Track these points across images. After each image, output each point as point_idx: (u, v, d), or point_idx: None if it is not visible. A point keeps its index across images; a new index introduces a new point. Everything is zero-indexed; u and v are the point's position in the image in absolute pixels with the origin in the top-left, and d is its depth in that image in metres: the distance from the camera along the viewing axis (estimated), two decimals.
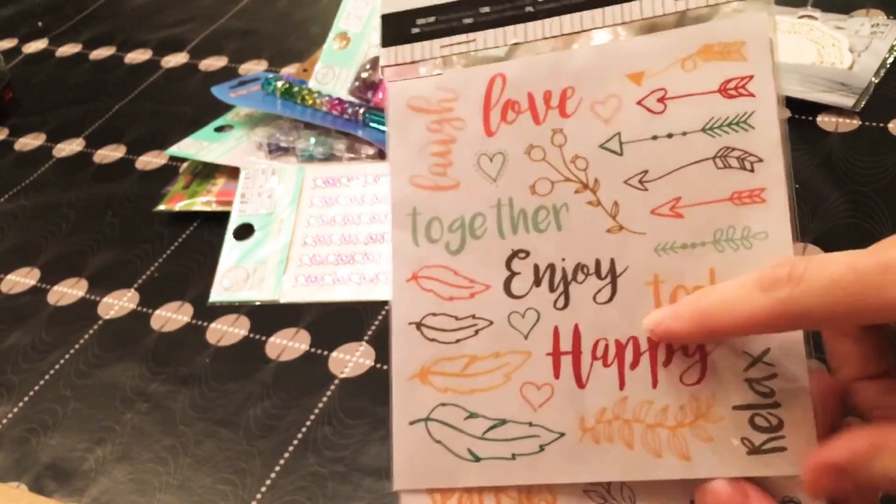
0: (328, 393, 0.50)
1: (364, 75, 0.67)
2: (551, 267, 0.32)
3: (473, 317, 0.33)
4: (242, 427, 0.49)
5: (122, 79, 0.84)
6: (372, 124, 0.64)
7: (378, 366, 0.51)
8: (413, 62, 0.34)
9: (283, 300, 0.56)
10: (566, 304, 0.32)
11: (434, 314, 0.33)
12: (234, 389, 0.52)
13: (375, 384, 0.50)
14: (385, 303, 0.55)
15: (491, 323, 0.32)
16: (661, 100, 0.32)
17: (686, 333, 0.30)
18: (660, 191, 0.31)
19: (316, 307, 0.55)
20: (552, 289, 0.32)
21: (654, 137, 0.32)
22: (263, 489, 0.46)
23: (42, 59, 0.91)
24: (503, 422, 0.32)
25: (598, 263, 0.32)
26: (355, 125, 0.65)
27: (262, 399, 0.51)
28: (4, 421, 0.53)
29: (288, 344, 0.54)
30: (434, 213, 0.33)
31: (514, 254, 0.33)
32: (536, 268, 0.32)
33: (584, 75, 0.33)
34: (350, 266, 0.57)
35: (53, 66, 0.89)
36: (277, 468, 0.47)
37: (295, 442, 0.48)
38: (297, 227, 0.60)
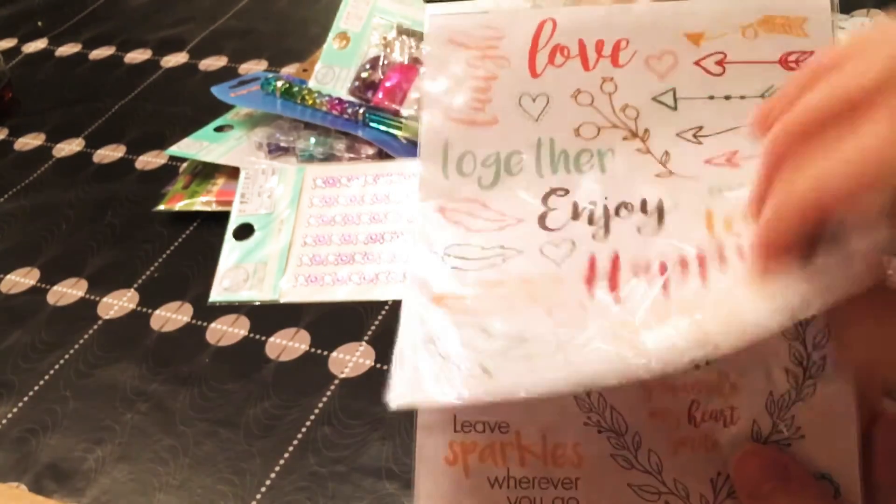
0: (328, 393, 0.50)
1: (364, 75, 0.67)
2: (592, 204, 0.30)
3: (502, 247, 0.30)
4: (242, 427, 0.49)
5: (122, 79, 0.84)
6: (372, 124, 0.64)
7: (378, 366, 0.51)
8: None
9: (282, 300, 0.56)
10: (606, 235, 0.29)
11: (458, 244, 0.31)
12: (234, 389, 0.51)
13: (376, 384, 0.50)
14: (385, 303, 0.55)
15: (520, 252, 0.30)
16: (719, 62, 0.31)
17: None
18: (715, 145, 0.30)
19: (316, 307, 0.55)
20: (591, 223, 0.30)
21: (711, 97, 0.31)
22: (263, 489, 0.46)
23: (42, 58, 0.91)
24: (524, 340, 0.28)
25: (644, 203, 0.30)
26: (355, 125, 0.65)
27: (262, 399, 0.50)
28: (4, 421, 0.53)
29: (288, 344, 0.54)
30: (467, 147, 0.31)
31: (553, 191, 0.31)
32: (575, 205, 0.30)
33: (640, 29, 0.31)
34: (350, 266, 0.57)
35: (53, 66, 0.89)
36: (277, 468, 0.47)
37: (295, 442, 0.48)
38: (297, 227, 0.60)
